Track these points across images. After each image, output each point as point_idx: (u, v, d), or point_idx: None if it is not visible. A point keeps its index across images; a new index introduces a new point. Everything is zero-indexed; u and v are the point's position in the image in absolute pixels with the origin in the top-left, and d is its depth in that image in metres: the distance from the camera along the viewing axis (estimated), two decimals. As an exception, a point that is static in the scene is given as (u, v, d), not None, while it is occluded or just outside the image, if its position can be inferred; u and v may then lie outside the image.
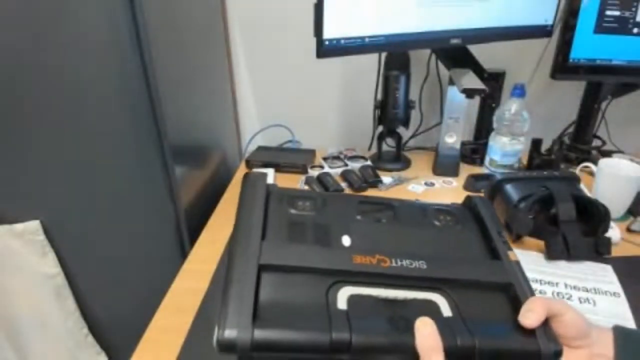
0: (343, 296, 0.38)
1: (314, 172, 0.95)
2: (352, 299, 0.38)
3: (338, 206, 0.49)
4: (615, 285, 0.63)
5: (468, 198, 0.55)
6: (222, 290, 0.36)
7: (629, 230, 0.77)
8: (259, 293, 0.37)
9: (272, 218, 0.45)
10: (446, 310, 0.39)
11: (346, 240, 0.44)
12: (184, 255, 0.78)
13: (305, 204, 0.48)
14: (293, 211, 0.47)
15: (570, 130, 1.09)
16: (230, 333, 0.33)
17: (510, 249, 0.47)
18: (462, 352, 0.36)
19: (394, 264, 0.41)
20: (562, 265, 0.67)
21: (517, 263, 0.45)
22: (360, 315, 0.37)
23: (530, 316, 0.38)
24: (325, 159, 1.02)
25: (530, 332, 0.38)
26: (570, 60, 0.93)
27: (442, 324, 0.37)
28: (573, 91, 1.04)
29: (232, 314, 0.34)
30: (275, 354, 0.35)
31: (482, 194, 0.83)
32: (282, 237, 0.43)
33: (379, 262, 0.41)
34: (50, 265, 0.73)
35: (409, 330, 0.36)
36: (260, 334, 0.33)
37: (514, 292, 0.42)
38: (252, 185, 0.48)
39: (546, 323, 0.39)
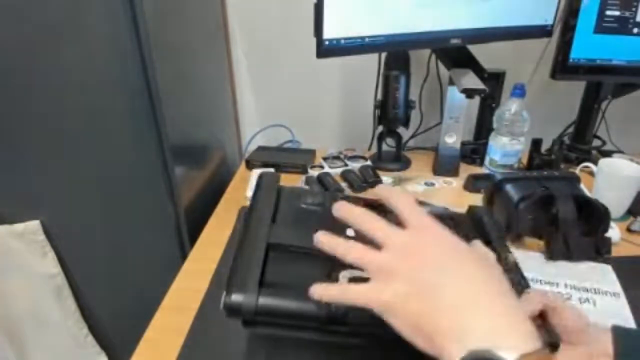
0: (344, 277, 0.40)
1: (314, 172, 0.95)
2: (353, 280, 0.40)
3: None
4: (615, 285, 0.63)
5: (470, 207, 0.57)
6: (232, 263, 0.39)
7: (629, 230, 0.77)
8: (266, 268, 0.39)
9: (282, 209, 0.49)
10: None
11: (350, 232, 0.46)
12: (184, 255, 0.79)
13: (313, 200, 0.51)
14: (302, 205, 0.50)
15: (570, 130, 1.09)
16: (237, 297, 0.36)
17: (509, 251, 0.48)
18: None
19: None
20: (562, 265, 0.67)
21: (516, 265, 0.46)
22: None
23: (525, 307, 0.39)
24: (325, 159, 1.02)
25: None
26: (570, 60, 0.93)
27: None
28: (573, 91, 1.04)
29: (240, 281, 0.37)
30: (276, 320, 0.37)
31: (481, 194, 0.83)
32: (291, 223, 0.47)
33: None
34: (50, 265, 0.74)
35: None
36: (264, 300, 0.36)
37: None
38: (266, 183, 0.52)
39: (543, 316, 0.39)
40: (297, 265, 0.41)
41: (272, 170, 0.98)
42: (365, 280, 0.39)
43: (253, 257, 0.39)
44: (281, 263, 0.41)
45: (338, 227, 0.46)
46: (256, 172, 0.97)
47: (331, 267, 0.41)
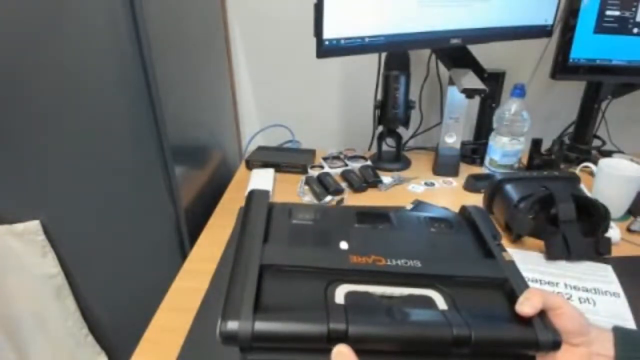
0: (341, 293, 0.40)
1: (314, 172, 0.95)
2: (350, 295, 0.40)
3: (337, 216, 0.52)
4: (615, 285, 0.63)
5: (463, 208, 0.56)
6: (226, 288, 0.38)
7: (629, 230, 0.77)
8: (261, 290, 0.38)
9: (274, 227, 0.48)
10: (442, 305, 0.40)
11: (344, 245, 0.46)
12: (184, 255, 0.79)
13: (305, 215, 0.51)
14: (294, 221, 0.50)
15: (570, 130, 1.09)
16: (232, 325, 0.34)
17: (504, 250, 0.48)
18: (458, 343, 0.36)
19: (389, 263, 0.43)
20: (562, 265, 0.67)
21: (512, 262, 0.46)
22: (358, 308, 0.38)
23: (527, 304, 0.39)
24: (325, 159, 1.02)
25: (527, 323, 0.38)
26: (570, 60, 0.93)
27: (438, 316, 0.38)
28: (573, 91, 1.04)
29: (234, 307, 0.36)
30: (275, 345, 0.36)
31: (481, 194, 0.83)
32: (283, 242, 0.46)
33: (374, 262, 0.43)
34: (50, 265, 0.73)
35: (405, 321, 0.37)
36: (260, 325, 0.35)
37: (510, 287, 0.42)
38: (256, 201, 0.51)
39: (544, 314, 0.39)
40: (292, 284, 0.40)
41: (263, 170, 0.98)
42: (363, 296, 0.39)
43: (247, 280, 0.38)
44: (276, 284, 0.40)
45: (330, 241, 0.46)
46: (256, 172, 0.97)
47: (328, 284, 0.40)
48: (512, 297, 0.41)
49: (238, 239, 0.45)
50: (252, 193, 0.53)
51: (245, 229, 0.46)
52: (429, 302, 0.40)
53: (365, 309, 0.38)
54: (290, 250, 0.44)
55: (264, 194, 0.53)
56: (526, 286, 0.42)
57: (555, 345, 0.38)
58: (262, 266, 0.41)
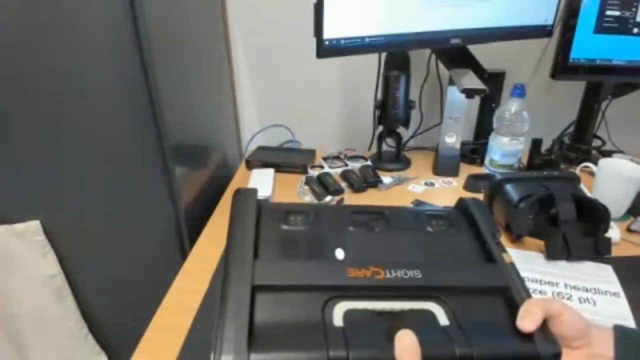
0: (339, 312, 0.38)
1: (314, 172, 0.95)
2: (348, 315, 0.38)
3: (330, 218, 0.49)
4: (615, 285, 0.63)
5: (460, 200, 0.54)
6: (217, 314, 0.36)
7: (629, 230, 0.77)
8: (255, 315, 0.37)
9: (264, 235, 0.45)
10: (443, 319, 0.39)
11: (340, 254, 0.44)
12: (184, 255, 0.79)
13: (297, 218, 0.48)
14: (285, 227, 0.47)
15: (570, 130, 1.09)
16: (226, 359, 0.33)
17: (504, 250, 0.47)
18: None
19: (388, 275, 0.41)
20: (562, 265, 0.67)
21: (512, 265, 0.45)
22: (357, 330, 0.36)
23: (528, 319, 0.38)
24: (325, 159, 1.02)
25: (528, 336, 0.38)
26: (570, 60, 0.93)
27: (440, 334, 0.37)
28: (573, 91, 1.04)
29: (228, 338, 0.34)
30: None
31: (481, 194, 0.83)
32: (275, 255, 0.43)
33: (373, 275, 0.41)
34: (50, 265, 0.74)
35: None
36: (256, 358, 0.33)
37: (511, 295, 0.41)
38: (243, 203, 0.48)
39: (544, 325, 0.39)
40: (287, 305, 0.38)
41: (263, 171, 0.97)
42: (362, 314, 0.38)
43: (239, 307, 0.36)
44: (270, 307, 0.38)
45: (325, 249, 0.44)
46: (256, 172, 0.97)
47: (325, 302, 0.38)
48: (513, 306, 0.40)
49: (226, 254, 0.42)
50: (237, 193, 0.49)
51: (233, 242, 0.43)
52: (429, 318, 0.39)
53: (365, 331, 0.37)
54: (284, 266, 0.42)
55: (251, 194, 0.49)
56: (527, 294, 0.42)
57: (556, 357, 0.37)
58: (255, 287, 0.38)
